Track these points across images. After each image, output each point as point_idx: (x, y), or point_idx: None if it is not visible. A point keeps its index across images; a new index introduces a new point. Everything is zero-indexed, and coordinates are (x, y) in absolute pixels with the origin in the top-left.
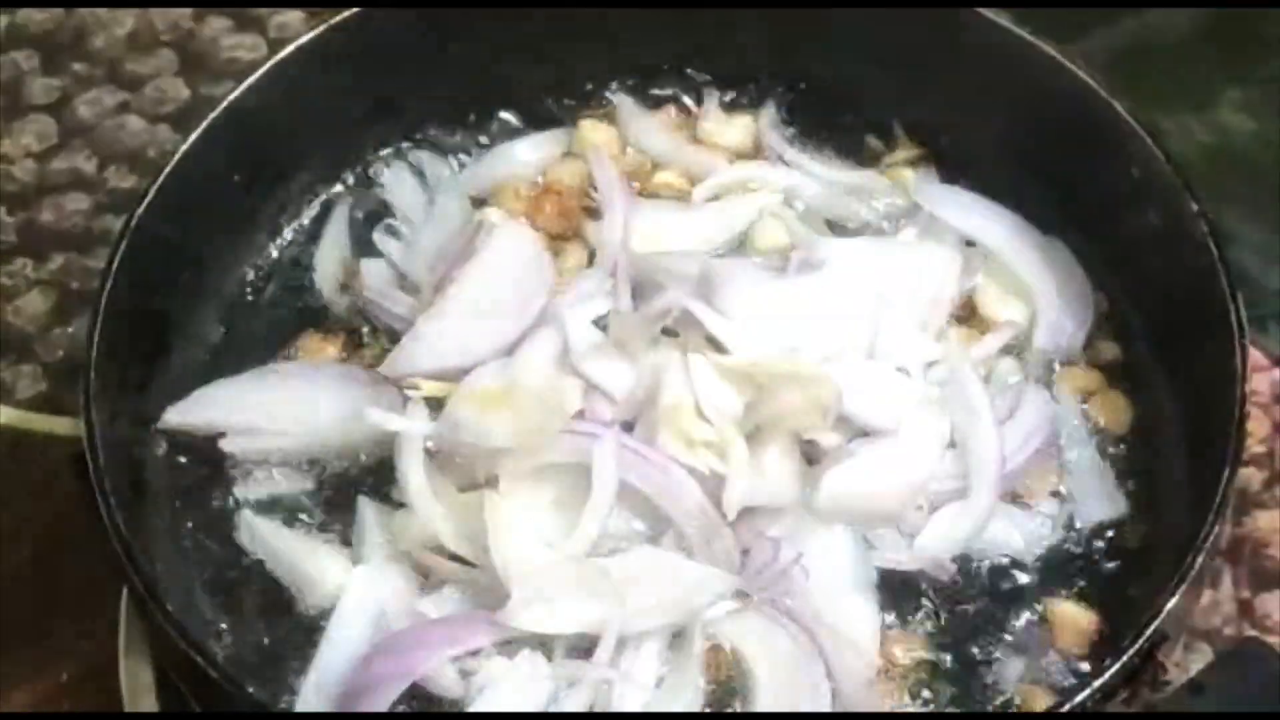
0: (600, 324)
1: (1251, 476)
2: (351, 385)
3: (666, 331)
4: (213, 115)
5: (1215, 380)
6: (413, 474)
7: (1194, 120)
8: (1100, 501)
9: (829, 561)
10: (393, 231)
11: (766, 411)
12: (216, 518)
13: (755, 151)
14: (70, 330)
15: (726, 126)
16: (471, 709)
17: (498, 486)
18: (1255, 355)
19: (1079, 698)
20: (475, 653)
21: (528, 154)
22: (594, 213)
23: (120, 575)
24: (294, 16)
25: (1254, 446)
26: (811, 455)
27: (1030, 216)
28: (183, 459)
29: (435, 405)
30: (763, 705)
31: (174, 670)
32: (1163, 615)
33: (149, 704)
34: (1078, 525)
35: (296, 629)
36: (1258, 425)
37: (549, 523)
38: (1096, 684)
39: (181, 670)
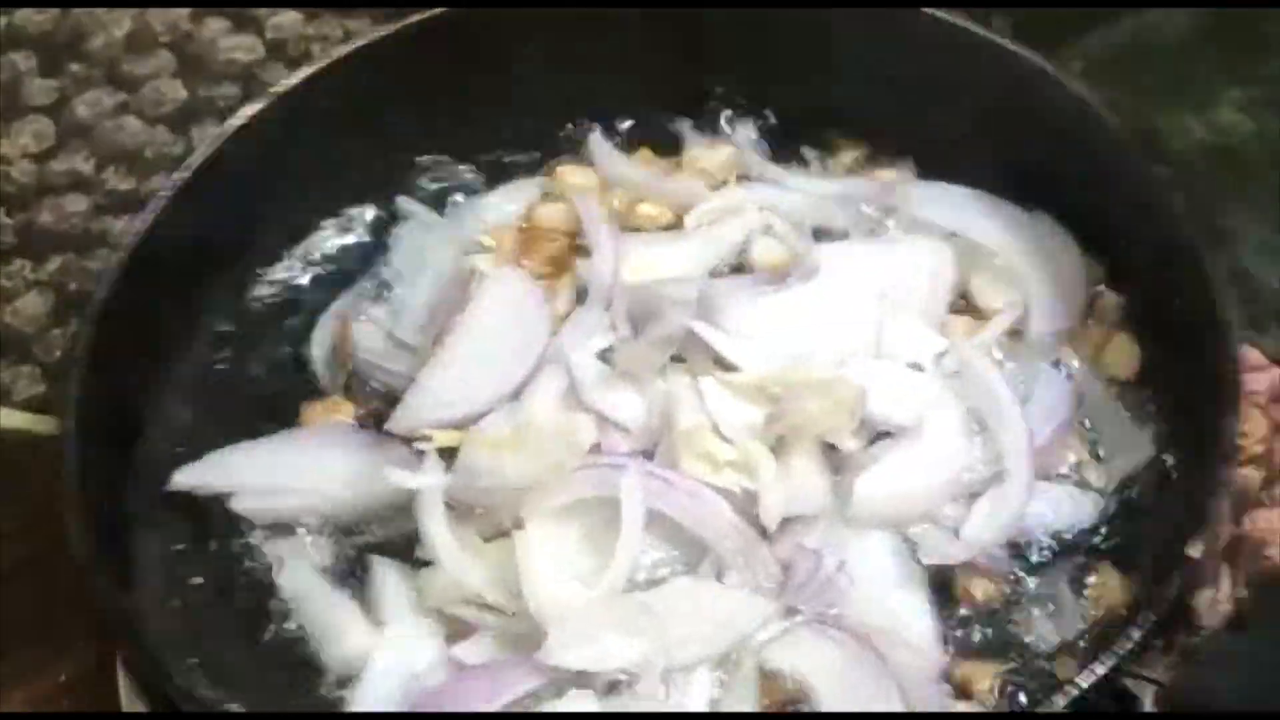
0: (603, 358)
1: (1250, 476)
2: (363, 446)
3: (673, 358)
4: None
5: (1204, 333)
6: (436, 528)
7: (1194, 120)
8: (1128, 453)
9: (872, 565)
10: (378, 294)
11: (787, 421)
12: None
13: (735, 175)
14: (69, 332)
15: (708, 152)
16: None
17: (524, 529)
18: (1254, 355)
19: (1122, 651)
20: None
21: (509, 201)
22: (582, 250)
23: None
24: (291, 17)
25: (1252, 446)
26: (834, 464)
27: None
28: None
29: (449, 457)
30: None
31: None
32: (1189, 560)
33: (147, 704)
34: (1108, 485)
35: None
36: (1256, 425)
37: (580, 560)
38: (1136, 636)
39: None
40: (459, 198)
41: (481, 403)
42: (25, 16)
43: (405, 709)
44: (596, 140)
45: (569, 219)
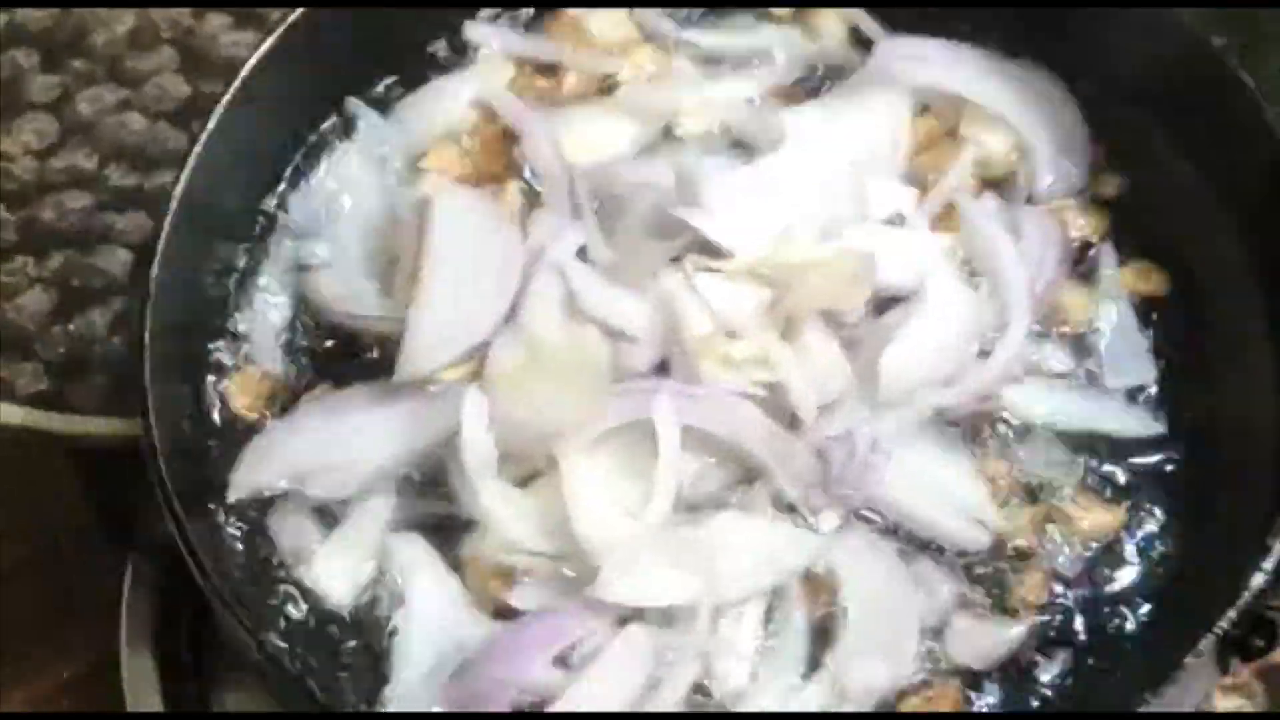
0: (582, 256)
1: None
2: (397, 399)
3: None
4: None
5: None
6: (485, 482)
7: None
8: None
9: (907, 440)
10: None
11: (793, 302)
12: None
13: (644, 40)
14: (71, 328)
15: (606, 23)
16: (574, 686)
17: (561, 465)
18: None
19: (1256, 585)
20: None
21: (422, 113)
22: (512, 139)
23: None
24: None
25: None
26: (845, 342)
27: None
28: None
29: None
30: (848, 642)
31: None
32: None
33: (152, 702)
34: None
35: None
36: None
37: (621, 488)
38: (1269, 567)
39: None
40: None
41: (483, 330)
42: (27, 14)
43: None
44: (479, 30)
45: (489, 116)
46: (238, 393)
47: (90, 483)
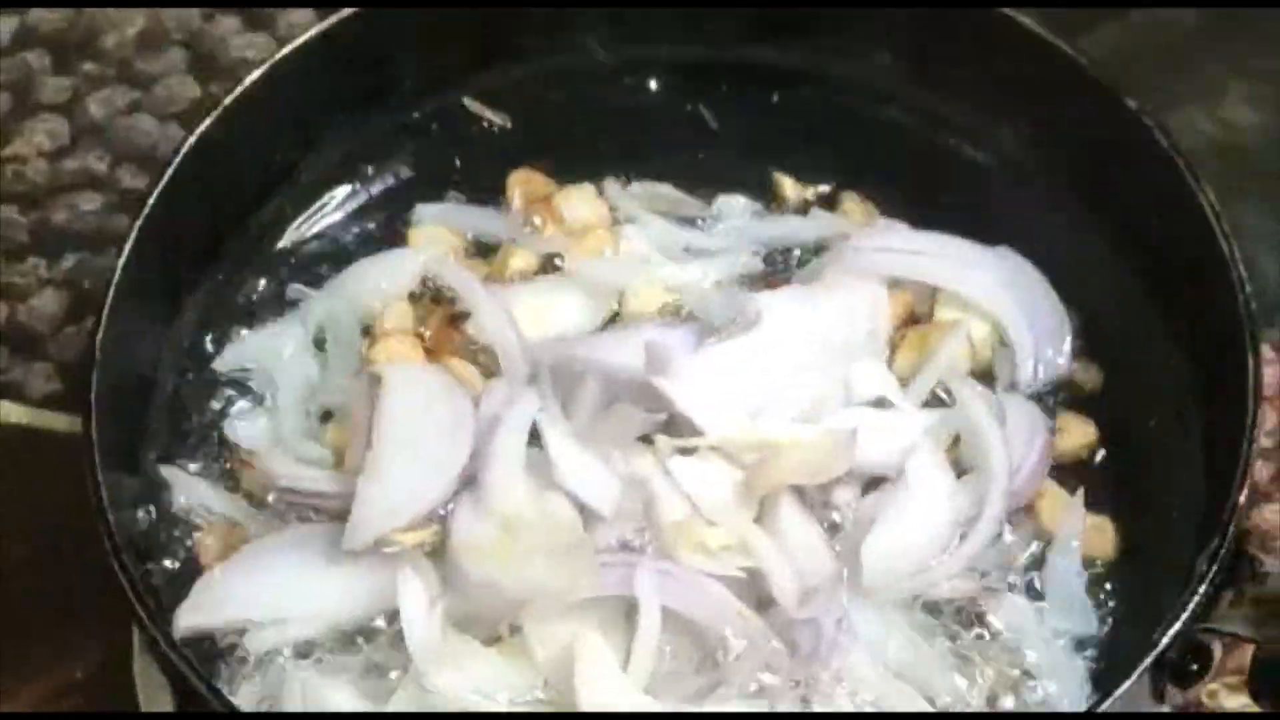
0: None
1: (1259, 470)
2: (352, 557)
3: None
4: None
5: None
6: (429, 663)
7: (1200, 114)
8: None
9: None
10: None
11: (767, 477)
12: None
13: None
14: (83, 329)
15: (572, 200)
16: None
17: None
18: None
19: (1189, 608)
20: None
21: (363, 278)
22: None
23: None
24: (303, 15)
25: (1262, 440)
26: (830, 521)
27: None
28: None
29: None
30: None
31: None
32: (1238, 511)
33: (164, 701)
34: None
35: None
36: (1265, 418)
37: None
38: (1200, 590)
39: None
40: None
41: (432, 497)
42: (38, 16)
43: None
44: (425, 211)
45: (435, 297)
46: None
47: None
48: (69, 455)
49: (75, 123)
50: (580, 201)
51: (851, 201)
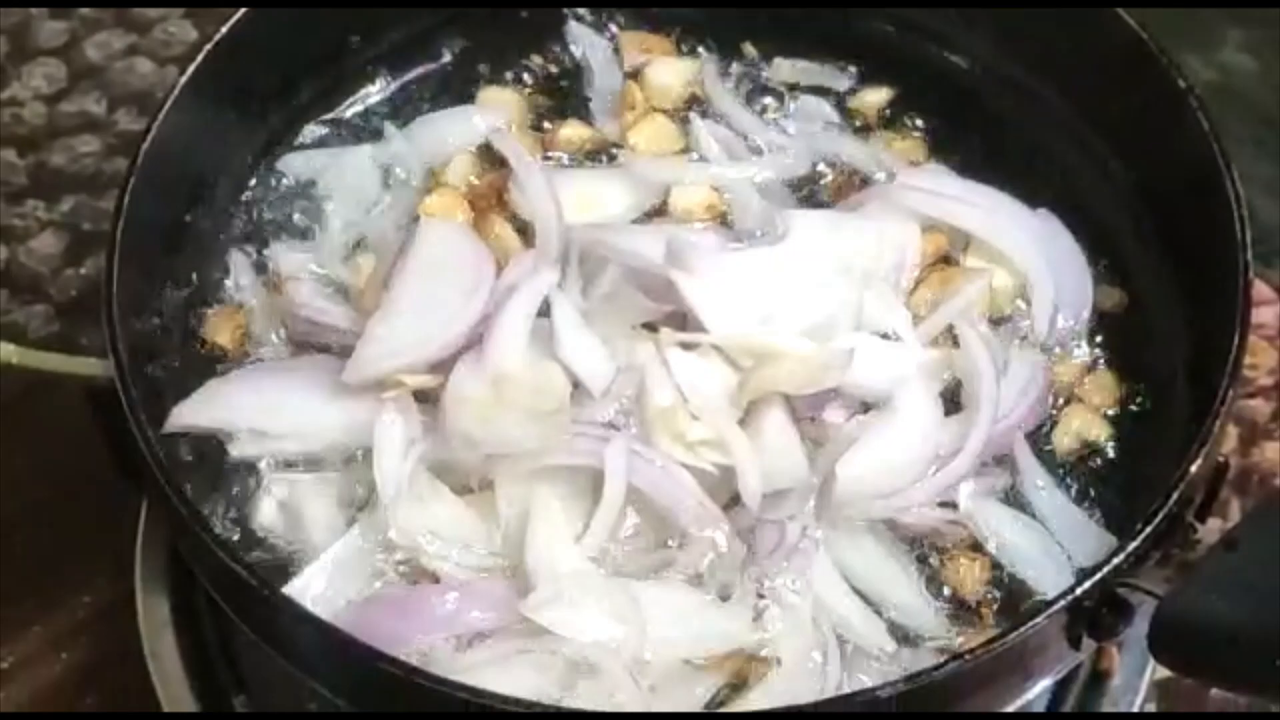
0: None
1: (1258, 408)
2: (352, 392)
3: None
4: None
5: (1214, 245)
6: (398, 508)
7: (1198, 60)
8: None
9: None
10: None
11: (756, 386)
12: None
13: (690, 104)
14: (83, 271)
15: (667, 71)
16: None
17: (492, 489)
18: (1261, 289)
19: (1114, 560)
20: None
21: (433, 128)
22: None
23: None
24: None
25: (1260, 378)
26: (815, 436)
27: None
28: None
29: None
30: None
31: (208, 580)
32: (1187, 478)
33: (167, 639)
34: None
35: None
36: (1264, 357)
37: (561, 524)
38: (1130, 547)
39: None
40: (390, 126)
41: (434, 348)
42: None
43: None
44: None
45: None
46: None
47: (104, 424)
48: (70, 397)
49: (73, 66)
50: (671, 74)
51: (904, 132)
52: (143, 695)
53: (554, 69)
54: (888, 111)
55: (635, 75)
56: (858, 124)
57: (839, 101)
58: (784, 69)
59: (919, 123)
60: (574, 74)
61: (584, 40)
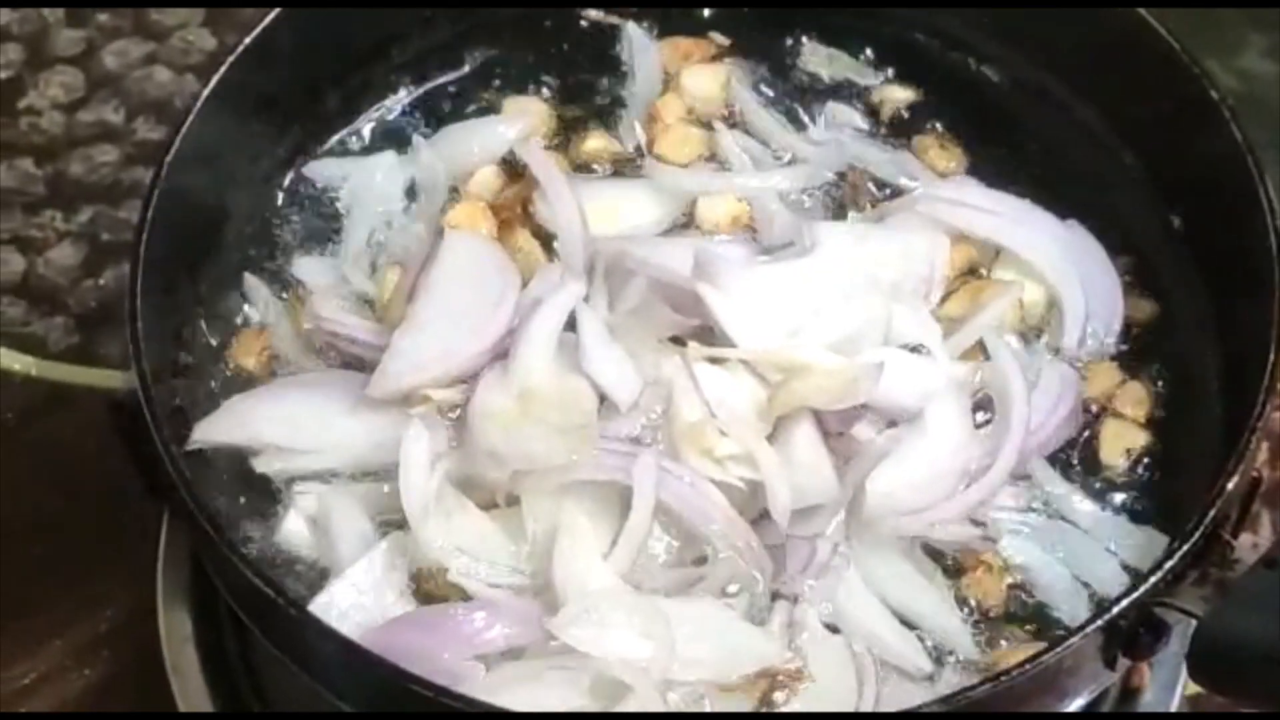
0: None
1: None
2: (377, 408)
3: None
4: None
5: (1246, 257)
6: (424, 526)
7: (1218, 66)
8: None
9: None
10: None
11: (787, 396)
12: None
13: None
14: (102, 282)
15: (699, 79)
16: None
17: (519, 505)
18: None
19: (1151, 580)
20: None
21: (459, 140)
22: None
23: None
24: None
25: None
26: (843, 454)
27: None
28: None
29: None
30: None
31: (233, 598)
32: (1224, 495)
33: (188, 654)
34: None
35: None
36: None
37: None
38: (1168, 565)
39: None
40: (417, 135)
41: (459, 362)
42: None
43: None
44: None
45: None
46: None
47: (124, 436)
48: (89, 408)
49: (91, 75)
50: (705, 80)
51: (931, 139)
52: (165, 710)
53: (578, 78)
54: (906, 114)
55: (669, 84)
56: (885, 130)
57: (868, 106)
58: (815, 57)
59: (938, 126)
60: (597, 83)
61: (635, 45)
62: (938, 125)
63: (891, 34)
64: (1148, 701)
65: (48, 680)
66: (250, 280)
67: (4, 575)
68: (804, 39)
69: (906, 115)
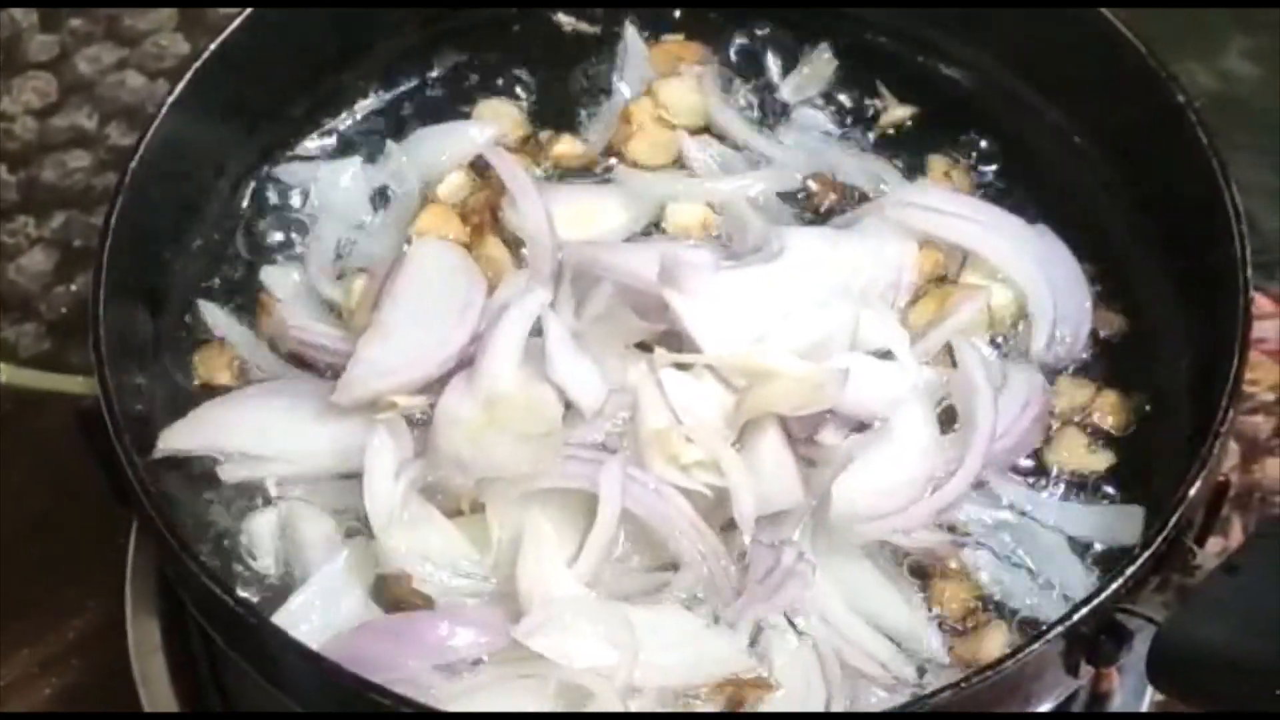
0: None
1: (1259, 425)
2: (352, 414)
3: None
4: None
5: (1215, 262)
6: (389, 533)
7: (1200, 67)
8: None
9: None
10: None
11: (753, 402)
12: None
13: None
14: (73, 288)
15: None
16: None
17: (484, 511)
18: (1262, 302)
19: (1113, 586)
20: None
21: (425, 145)
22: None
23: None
24: None
25: (1262, 394)
26: (808, 459)
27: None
28: None
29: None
30: None
31: (196, 608)
32: (1186, 501)
33: (157, 662)
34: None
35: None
36: (1265, 372)
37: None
38: (1129, 571)
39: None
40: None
41: (425, 369)
42: None
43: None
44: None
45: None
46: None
47: (93, 445)
48: (60, 415)
49: (63, 80)
50: (676, 84)
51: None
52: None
53: (548, 82)
54: (875, 118)
55: (647, 89)
56: (854, 134)
57: (838, 111)
58: (784, 60)
59: (908, 129)
60: (567, 87)
61: (631, 50)
62: (907, 128)
63: (856, 36)
64: (1117, 705)
65: (15, 689)
66: (205, 306)
67: None
68: (770, 43)
69: (876, 120)
